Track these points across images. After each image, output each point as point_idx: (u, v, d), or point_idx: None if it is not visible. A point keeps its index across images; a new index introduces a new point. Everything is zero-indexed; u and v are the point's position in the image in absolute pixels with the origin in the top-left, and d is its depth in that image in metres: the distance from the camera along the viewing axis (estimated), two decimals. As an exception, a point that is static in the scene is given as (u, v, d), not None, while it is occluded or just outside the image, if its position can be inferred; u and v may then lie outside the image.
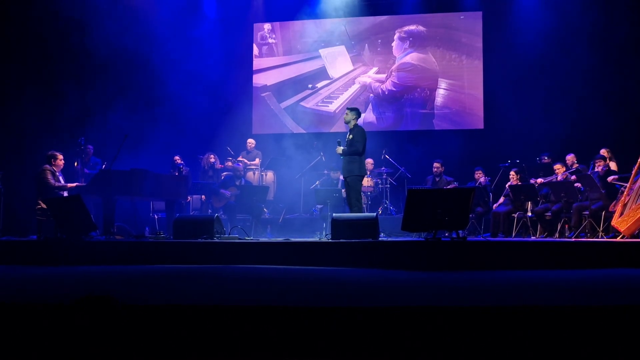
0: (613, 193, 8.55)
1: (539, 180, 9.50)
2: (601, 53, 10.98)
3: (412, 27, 12.44)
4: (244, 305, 3.86)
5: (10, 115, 11.40)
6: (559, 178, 9.30)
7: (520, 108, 11.40)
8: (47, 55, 11.61)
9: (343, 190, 9.27)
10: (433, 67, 12.27)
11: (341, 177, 9.17)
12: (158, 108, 11.72)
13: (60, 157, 8.84)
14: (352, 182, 8.36)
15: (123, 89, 11.78)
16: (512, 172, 9.88)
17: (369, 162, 11.34)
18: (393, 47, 12.49)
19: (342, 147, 8.40)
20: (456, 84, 12.14)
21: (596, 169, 8.96)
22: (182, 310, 3.66)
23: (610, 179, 8.59)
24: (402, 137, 12.22)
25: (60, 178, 8.82)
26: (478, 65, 11.99)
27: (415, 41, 12.39)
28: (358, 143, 8.33)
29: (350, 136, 8.40)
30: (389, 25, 12.57)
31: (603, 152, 9.28)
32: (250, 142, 11.75)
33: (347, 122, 8.54)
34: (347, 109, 8.61)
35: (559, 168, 9.39)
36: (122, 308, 3.32)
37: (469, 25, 12.11)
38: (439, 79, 12.23)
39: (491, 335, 3.43)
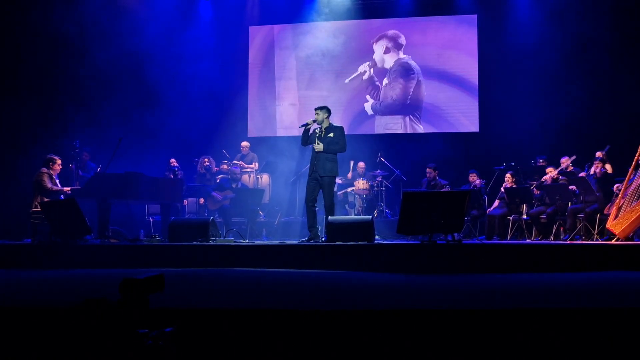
0: (608, 196, 8.56)
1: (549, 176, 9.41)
2: (596, 56, 11.00)
3: (407, 30, 12.44)
4: (239, 308, 3.85)
5: (4, 117, 11.36)
6: (548, 180, 9.34)
7: (515, 111, 11.40)
8: (42, 57, 11.57)
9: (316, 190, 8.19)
10: (428, 70, 12.27)
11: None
12: (153, 111, 11.67)
13: (59, 161, 8.83)
14: (329, 182, 8.06)
15: (118, 91, 11.73)
16: (507, 175, 9.89)
17: (361, 165, 11.34)
18: (388, 50, 12.49)
19: (321, 145, 8.02)
20: (451, 86, 12.13)
21: (593, 171, 8.98)
22: (176, 314, 3.65)
23: (616, 187, 8.52)
24: (397, 139, 12.22)
25: (57, 182, 8.81)
26: (473, 68, 11.99)
27: (410, 44, 12.39)
28: (343, 142, 8.08)
29: (331, 134, 8.07)
30: (384, 28, 12.56)
31: (599, 154, 9.30)
32: (245, 145, 11.72)
33: (320, 123, 8.16)
34: (317, 108, 8.22)
35: (550, 171, 9.41)
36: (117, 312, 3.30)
37: (464, 28, 12.13)
38: (435, 82, 12.23)
39: (487, 337, 3.43)
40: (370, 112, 12.51)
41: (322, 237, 8.06)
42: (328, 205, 8.05)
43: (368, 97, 12.56)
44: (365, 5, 12.52)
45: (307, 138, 8.18)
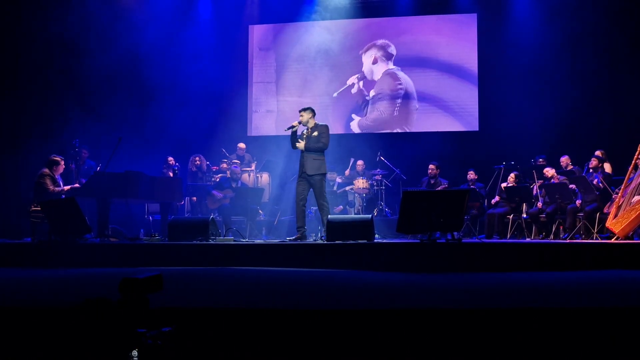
0: (607, 195, 8.57)
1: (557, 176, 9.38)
2: (595, 55, 11.00)
3: (407, 29, 12.43)
4: (239, 307, 3.85)
5: (4, 117, 11.35)
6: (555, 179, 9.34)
7: (515, 110, 11.40)
8: (42, 57, 11.55)
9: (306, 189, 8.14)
10: (428, 69, 12.26)
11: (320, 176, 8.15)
12: (153, 110, 11.68)
13: (62, 162, 8.85)
14: (319, 181, 8.06)
15: (118, 91, 11.74)
16: (511, 175, 9.85)
17: (360, 163, 11.34)
18: (376, 61, 12.47)
19: (303, 142, 8.07)
20: (451, 85, 12.13)
21: (590, 170, 9.00)
22: (176, 313, 3.65)
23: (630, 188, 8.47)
24: (397, 138, 12.21)
25: (60, 182, 8.81)
26: (473, 67, 11.99)
27: (409, 43, 12.38)
28: (325, 139, 8.09)
29: (316, 133, 8.09)
30: (383, 27, 12.55)
31: (598, 153, 9.30)
32: (242, 146, 11.68)
33: (305, 124, 8.19)
34: (301, 110, 8.28)
35: (547, 171, 9.43)
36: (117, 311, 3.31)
37: (464, 28, 12.12)
38: (434, 81, 12.22)
39: (487, 337, 3.43)
40: (357, 130, 12.42)
41: (322, 237, 8.08)
42: (320, 205, 8.07)
43: (354, 115, 12.45)
44: (365, 5, 12.51)
45: (295, 140, 8.21)
